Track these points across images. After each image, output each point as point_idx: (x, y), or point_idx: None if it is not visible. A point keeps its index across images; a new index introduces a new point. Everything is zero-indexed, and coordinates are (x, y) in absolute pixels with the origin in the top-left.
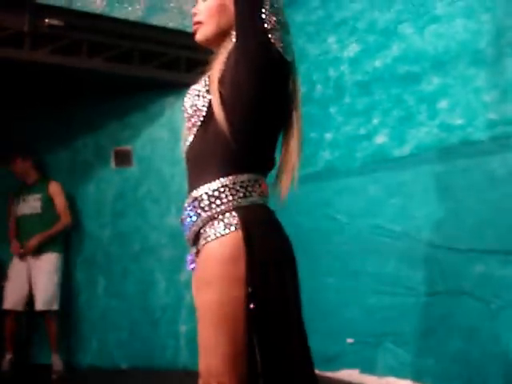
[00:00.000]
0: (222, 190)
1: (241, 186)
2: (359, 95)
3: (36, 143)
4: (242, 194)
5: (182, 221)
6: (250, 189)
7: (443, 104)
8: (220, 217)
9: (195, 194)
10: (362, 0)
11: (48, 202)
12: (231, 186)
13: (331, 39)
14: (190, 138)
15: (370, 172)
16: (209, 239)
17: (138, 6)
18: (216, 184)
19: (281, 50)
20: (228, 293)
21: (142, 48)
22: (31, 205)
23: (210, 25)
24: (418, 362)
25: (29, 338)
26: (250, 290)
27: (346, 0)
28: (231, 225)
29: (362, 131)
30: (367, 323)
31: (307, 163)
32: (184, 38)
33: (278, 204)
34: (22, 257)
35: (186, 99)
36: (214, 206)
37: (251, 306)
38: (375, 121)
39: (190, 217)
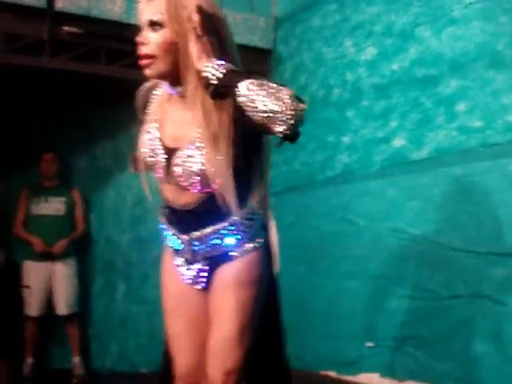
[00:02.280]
0: (252, 213)
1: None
2: (376, 98)
3: (55, 149)
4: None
5: (194, 241)
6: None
7: (461, 107)
8: (256, 234)
9: (233, 219)
10: (378, 3)
11: (71, 206)
12: (256, 209)
13: (348, 43)
14: (195, 196)
15: (388, 175)
16: (248, 250)
17: None
18: (247, 210)
19: None
20: (262, 289)
21: None
22: (54, 206)
23: (164, 62)
24: (439, 366)
25: (48, 342)
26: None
27: (362, 4)
28: (263, 237)
29: (380, 134)
30: (387, 327)
31: (325, 167)
32: None
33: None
34: (44, 255)
35: (178, 161)
36: (250, 227)
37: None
38: (393, 124)
39: (221, 238)
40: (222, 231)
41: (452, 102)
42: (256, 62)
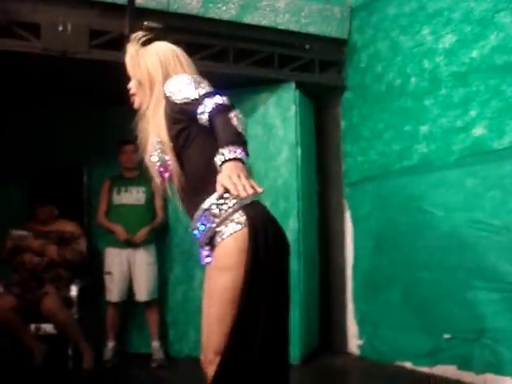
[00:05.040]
0: (225, 196)
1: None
2: (455, 87)
3: (134, 140)
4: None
5: (194, 230)
6: None
7: None
8: (231, 217)
9: (204, 206)
10: None
11: (151, 196)
12: (230, 197)
13: (425, 31)
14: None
15: (467, 165)
16: (224, 236)
17: (231, 6)
18: (213, 198)
19: None
20: (241, 276)
21: (235, 46)
22: (135, 196)
23: (140, 98)
24: None
25: (129, 327)
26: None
27: None
28: (241, 222)
29: (459, 123)
30: (464, 319)
31: (402, 157)
32: (276, 35)
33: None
34: (126, 243)
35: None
36: (223, 211)
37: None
38: (472, 113)
39: (204, 225)
40: (200, 218)
41: None
42: (331, 52)
